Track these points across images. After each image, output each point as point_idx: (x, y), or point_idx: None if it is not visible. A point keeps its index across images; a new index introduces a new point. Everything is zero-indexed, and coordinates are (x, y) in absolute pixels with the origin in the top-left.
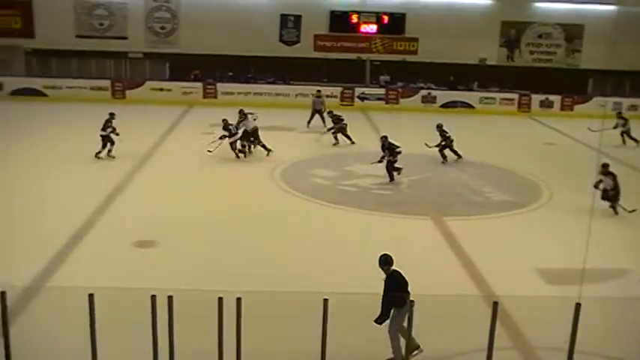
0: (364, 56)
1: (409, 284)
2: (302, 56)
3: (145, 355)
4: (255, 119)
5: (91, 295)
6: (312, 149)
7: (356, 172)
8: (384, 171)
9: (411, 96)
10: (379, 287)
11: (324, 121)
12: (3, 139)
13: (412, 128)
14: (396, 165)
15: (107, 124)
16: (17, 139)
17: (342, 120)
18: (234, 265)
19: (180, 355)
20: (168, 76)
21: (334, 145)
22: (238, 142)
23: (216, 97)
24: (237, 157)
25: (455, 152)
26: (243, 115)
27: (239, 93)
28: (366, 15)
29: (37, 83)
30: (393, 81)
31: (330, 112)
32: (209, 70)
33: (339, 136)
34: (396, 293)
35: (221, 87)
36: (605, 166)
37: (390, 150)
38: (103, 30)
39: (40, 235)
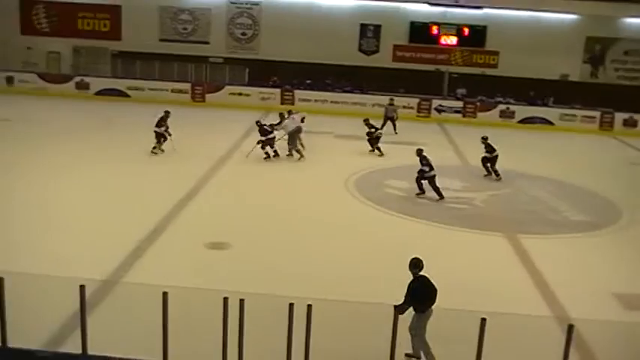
0: (443, 68)
1: (473, 299)
2: (380, 66)
3: (214, 356)
4: (302, 119)
5: (165, 294)
6: (386, 159)
7: None
8: (460, 184)
9: (489, 110)
10: (447, 301)
11: (395, 128)
12: (86, 138)
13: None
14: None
15: (161, 122)
16: (101, 137)
17: (377, 129)
18: (304, 271)
19: (249, 357)
20: (247, 81)
21: (370, 152)
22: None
23: (293, 104)
24: (267, 157)
25: (494, 170)
26: (282, 118)
27: (316, 100)
28: (446, 27)
29: (121, 84)
30: (471, 94)
31: (366, 120)
32: (287, 77)
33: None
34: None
35: (299, 94)
36: None
37: (425, 164)
38: (186, 34)
39: (120, 231)
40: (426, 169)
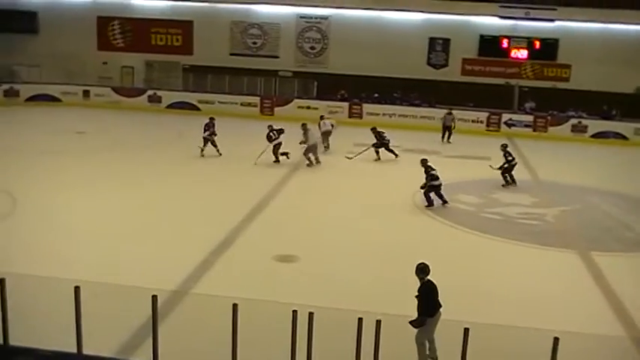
0: (513, 82)
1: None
2: (449, 80)
3: None
4: (332, 125)
5: (234, 305)
6: (455, 174)
7: (501, 199)
8: (530, 200)
9: (560, 124)
10: (518, 318)
11: (449, 137)
12: (158, 150)
13: (562, 158)
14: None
15: (207, 127)
16: (172, 150)
17: (385, 136)
18: (372, 285)
19: None
20: (316, 94)
21: (375, 160)
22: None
23: (361, 117)
24: (277, 161)
25: (511, 177)
26: (305, 129)
27: (384, 114)
28: (517, 40)
29: (192, 98)
30: (541, 108)
31: (373, 129)
32: (355, 90)
33: (381, 151)
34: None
35: (367, 107)
36: None
37: (429, 175)
38: (255, 49)
39: (190, 242)
40: (435, 182)
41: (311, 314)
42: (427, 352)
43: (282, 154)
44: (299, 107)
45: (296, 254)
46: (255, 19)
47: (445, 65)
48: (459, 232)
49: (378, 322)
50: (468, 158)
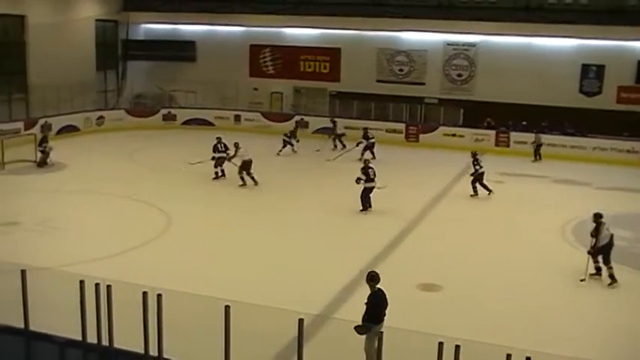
0: None
1: None
2: (602, 108)
3: None
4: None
5: (380, 333)
6: (607, 206)
7: None
8: None
9: None
10: None
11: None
12: (305, 175)
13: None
14: None
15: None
16: (317, 176)
17: (371, 138)
18: (519, 320)
19: None
20: (462, 122)
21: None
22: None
23: (508, 146)
24: (215, 176)
25: (484, 186)
26: (237, 148)
27: (532, 143)
28: None
29: (338, 123)
30: None
31: (365, 129)
32: (502, 118)
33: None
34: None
35: (514, 136)
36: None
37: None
38: (402, 76)
39: (335, 267)
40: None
41: (457, 347)
42: None
43: (221, 172)
44: (444, 135)
45: (440, 284)
46: (402, 46)
47: (599, 93)
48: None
49: None
50: (622, 190)
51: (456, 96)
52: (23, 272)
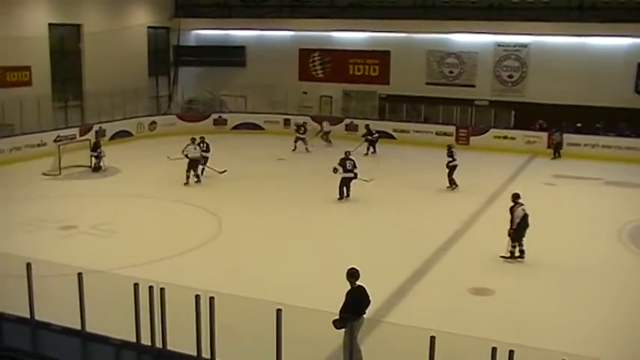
0: None
1: None
2: None
3: None
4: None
5: (432, 338)
6: None
7: None
8: None
9: None
10: None
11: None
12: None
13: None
14: None
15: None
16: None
17: (374, 134)
18: (575, 326)
19: None
20: (513, 124)
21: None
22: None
23: (560, 148)
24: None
25: (451, 180)
26: (191, 142)
27: (585, 145)
28: None
29: (388, 126)
30: None
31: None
32: (555, 120)
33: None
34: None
35: (567, 137)
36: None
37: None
38: (452, 78)
39: (386, 269)
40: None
41: (511, 352)
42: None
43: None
44: (495, 137)
45: (492, 288)
46: (452, 48)
47: None
48: None
49: None
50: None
51: (506, 98)
52: (80, 275)
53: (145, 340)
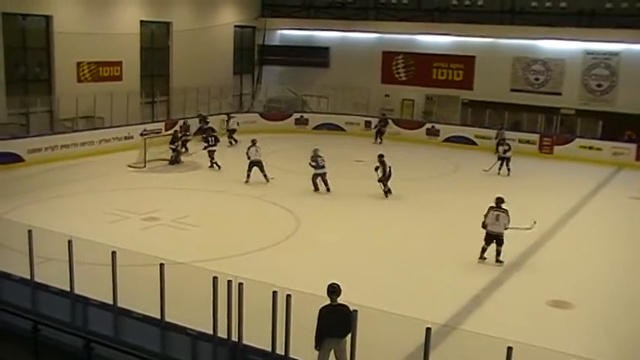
0: None
1: None
2: None
3: None
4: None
5: (509, 349)
6: None
7: None
8: None
9: None
10: None
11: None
12: (435, 184)
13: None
14: None
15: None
16: (448, 183)
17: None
18: None
19: None
20: (600, 134)
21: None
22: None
23: None
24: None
25: (384, 187)
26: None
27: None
28: None
29: (469, 132)
30: None
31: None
32: None
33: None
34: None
35: None
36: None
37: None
38: (537, 85)
39: (464, 277)
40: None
41: None
42: None
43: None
44: (581, 147)
45: (571, 301)
46: (539, 54)
47: None
48: None
49: None
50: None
51: (594, 107)
52: (161, 266)
53: (222, 333)
